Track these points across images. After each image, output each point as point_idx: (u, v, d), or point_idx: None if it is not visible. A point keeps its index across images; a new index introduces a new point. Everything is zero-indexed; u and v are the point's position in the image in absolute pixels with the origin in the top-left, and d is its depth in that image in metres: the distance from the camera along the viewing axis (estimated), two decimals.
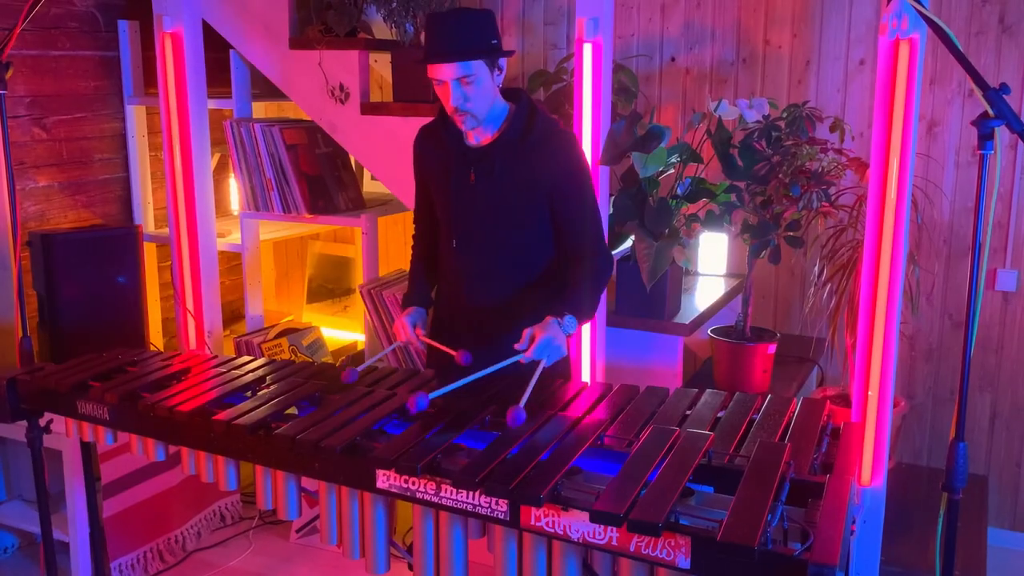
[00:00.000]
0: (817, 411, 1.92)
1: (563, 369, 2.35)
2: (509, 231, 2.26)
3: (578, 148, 2.27)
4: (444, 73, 2.10)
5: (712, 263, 3.46)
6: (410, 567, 2.52)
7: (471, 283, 2.32)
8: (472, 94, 2.12)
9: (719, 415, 1.93)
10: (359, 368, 2.23)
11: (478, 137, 2.26)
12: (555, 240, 2.29)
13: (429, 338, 2.36)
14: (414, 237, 2.52)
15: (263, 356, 3.25)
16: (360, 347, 3.46)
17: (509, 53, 2.20)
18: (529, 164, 2.20)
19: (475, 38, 2.11)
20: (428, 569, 1.76)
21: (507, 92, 2.28)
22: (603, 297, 2.77)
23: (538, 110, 2.25)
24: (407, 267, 2.61)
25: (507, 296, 2.28)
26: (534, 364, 2.04)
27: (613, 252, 2.92)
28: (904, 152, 2.14)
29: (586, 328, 2.72)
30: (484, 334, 2.31)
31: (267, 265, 4.30)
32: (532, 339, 2.06)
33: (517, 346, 2.07)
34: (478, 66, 2.11)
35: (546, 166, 2.20)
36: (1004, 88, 1.60)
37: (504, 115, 2.24)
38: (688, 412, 1.95)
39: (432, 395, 1.95)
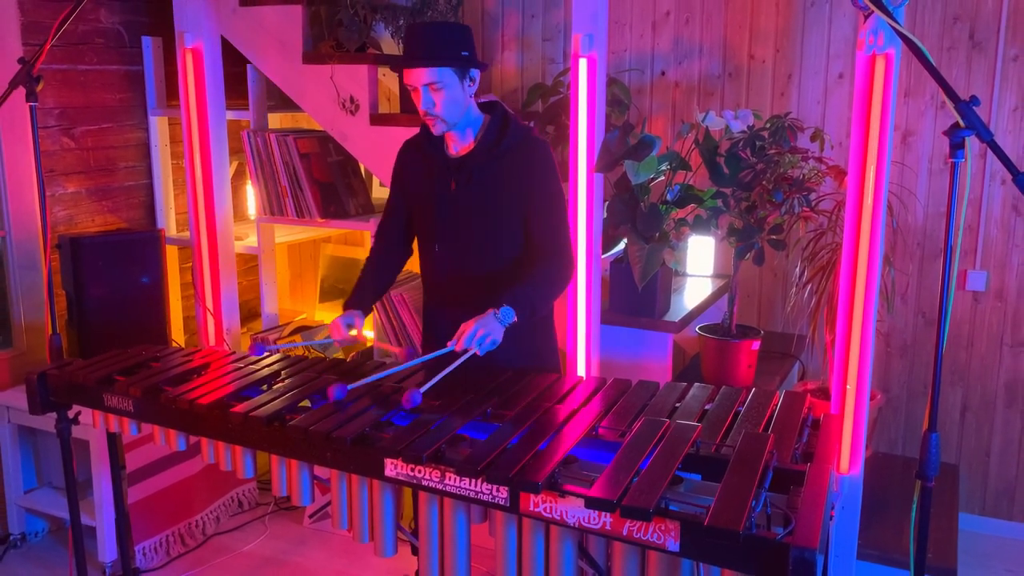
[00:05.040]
0: (798, 404, 1.92)
1: (562, 365, 2.35)
2: (488, 235, 2.24)
3: (547, 155, 2.23)
4: (413, 78, 2.12)
5: (700, 264, 3.45)
6: (415, 550, 2.52)
7: (455, 286, 2.31)
8: (440, 100, 2.12)
9: (706, 408, 1.93)
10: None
11: (457, 147, 2.25)
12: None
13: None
14: (372, 248, 2.48)
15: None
16: (369, 343, 3.46)
17: (483, 66, 2.18)
18: (501, 171, 2.19)
19: (444, 48, 2.10)
20: (433, 552, 1.76)
21: (484, 105, 2.27)
22: (599, 296, 2.78)
23: (511, 119, 2.23)
24: (414, 268, 2.60)
25: (490, 297, 2.22)
26: (468, 352, 2.02)
27: (606, 254, 2.93)
28: (880, 160, 2.14)
29: (581, 326, 2.72)
30: None
31: (282, 266, 4.30)
32: (462, 330, 2.04)
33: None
34: (446, 73, 2.10)
35: (515, 171, 2.19)
36: (974, 100, 1.60)
37: (480, 125, 2.23)
38: (677, 405, 1.95)
39: (351, 386, 2.01)
